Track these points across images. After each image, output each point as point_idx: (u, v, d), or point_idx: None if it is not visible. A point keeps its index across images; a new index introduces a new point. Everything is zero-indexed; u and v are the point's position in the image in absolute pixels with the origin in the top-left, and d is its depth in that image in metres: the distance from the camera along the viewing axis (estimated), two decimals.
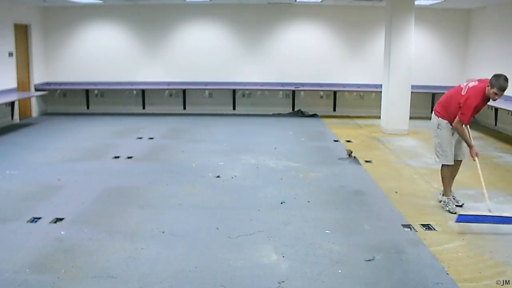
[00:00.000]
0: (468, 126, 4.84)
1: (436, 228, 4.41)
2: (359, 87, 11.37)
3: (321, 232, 4.31)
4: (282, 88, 11.36)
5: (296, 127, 9.88)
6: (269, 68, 11.48)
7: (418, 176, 6.19)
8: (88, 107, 11.68)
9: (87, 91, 11.55)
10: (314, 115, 11.35)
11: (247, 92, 11.63)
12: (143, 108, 11.69)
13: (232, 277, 3.45)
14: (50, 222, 4.48)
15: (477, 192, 5.51)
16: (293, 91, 11.44)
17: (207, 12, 11.37)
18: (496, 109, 9.45)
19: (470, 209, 4.91)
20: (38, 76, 11.13)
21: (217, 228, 4.37)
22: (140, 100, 11.65)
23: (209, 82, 11.47)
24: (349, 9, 11.18)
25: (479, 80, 4.75)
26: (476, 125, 10.33)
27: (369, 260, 3.73)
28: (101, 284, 3.35)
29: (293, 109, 11.60)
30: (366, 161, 6.97)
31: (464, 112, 4.62)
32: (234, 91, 11.50)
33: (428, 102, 11.31)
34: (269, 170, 6.42)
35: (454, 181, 5.10)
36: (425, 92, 11.05)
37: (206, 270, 3.57)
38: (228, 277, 3.46)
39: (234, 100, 11.58)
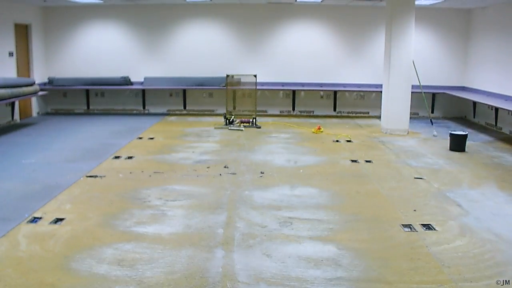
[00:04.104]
0: None
1: (436, 228, 4.41)
2: (359, 87, 11.37)
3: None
4: (282, 88, 11.37)
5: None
6: (269, 68, 11.48)
7: (418, 176, 6.19)
8: (88, 107, 11.70)
9: (87, 90, 11.56)
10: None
11: (247, 92, 11.62)
12: (143, 108, 11.70)
13: None
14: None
15: (477, 192, 5.52)
16: (293, 91, 11.44)
17: (207, 12, 11.37)
18: (497, 109, 9.45)
19: (471, 209, 4.93)
20: (39, 76, 11.13)
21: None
22: (140, 100, 11.66)
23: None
24: (349, 9, 11.19)
25: None
26: (476, 125, 10.34)
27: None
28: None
29: (293, 109, 11.60)
30: (367, 161, 6.97)
31: None
32: (234, 91, 11.50)
33: (428, 102, 11.31)
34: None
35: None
36: (425, 92, 11.04)
37: None
38: None
39: (234, 100, 11.58)
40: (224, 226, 4.42)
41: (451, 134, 7.82)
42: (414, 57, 9.32)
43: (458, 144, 7.69)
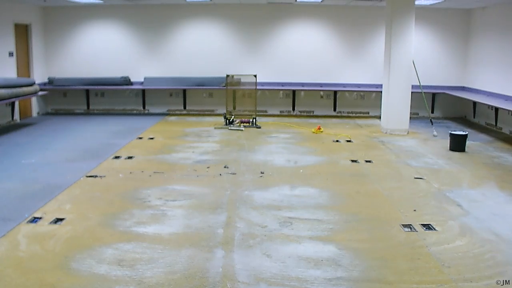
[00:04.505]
0: None
1: (436, 228, 4.42)
2: (359, 87, 11.37)
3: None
4: (282, 88, 11.37)
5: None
6: (269, 68, 11.48)
7: (418, 176, 6.19)
8: (88, 107, 11.70)
9: (87, 90, 11.56)
10: None
11: (247, 92, 11.62)
12: (143, 107, 11.71)
13: None
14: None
15: (477, 192, 5.52)
16: (293, 91, 11.45)
17: (208, 12, 11.37)
18: (497, 109, 9.45)
19: (471, 209, 4.93)
20: (39, 76, 11.13)
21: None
22: (140, 100, 11.67)
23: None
24: (349, 9, 11.19)
25: None
26: (476, 125, 10.35)
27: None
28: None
29: (293, 109, 11.60)
30: (367, 161, 6.97)
31: None
32: (234, 91, 11.50)
33: (428, 102, 11.30)
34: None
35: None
36: (425, 92, 11.04)
37: None
38: None
39: (234, 100, 11.59)
40: (224, 226, 4.42)
41: (451, 134, 7.82)
42: (414, 57, 9.33)
43: (458, 144, 7.69)
